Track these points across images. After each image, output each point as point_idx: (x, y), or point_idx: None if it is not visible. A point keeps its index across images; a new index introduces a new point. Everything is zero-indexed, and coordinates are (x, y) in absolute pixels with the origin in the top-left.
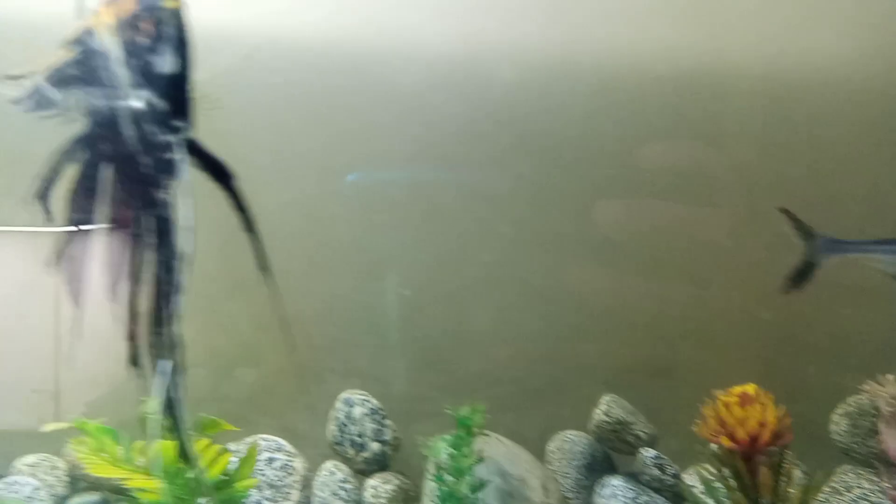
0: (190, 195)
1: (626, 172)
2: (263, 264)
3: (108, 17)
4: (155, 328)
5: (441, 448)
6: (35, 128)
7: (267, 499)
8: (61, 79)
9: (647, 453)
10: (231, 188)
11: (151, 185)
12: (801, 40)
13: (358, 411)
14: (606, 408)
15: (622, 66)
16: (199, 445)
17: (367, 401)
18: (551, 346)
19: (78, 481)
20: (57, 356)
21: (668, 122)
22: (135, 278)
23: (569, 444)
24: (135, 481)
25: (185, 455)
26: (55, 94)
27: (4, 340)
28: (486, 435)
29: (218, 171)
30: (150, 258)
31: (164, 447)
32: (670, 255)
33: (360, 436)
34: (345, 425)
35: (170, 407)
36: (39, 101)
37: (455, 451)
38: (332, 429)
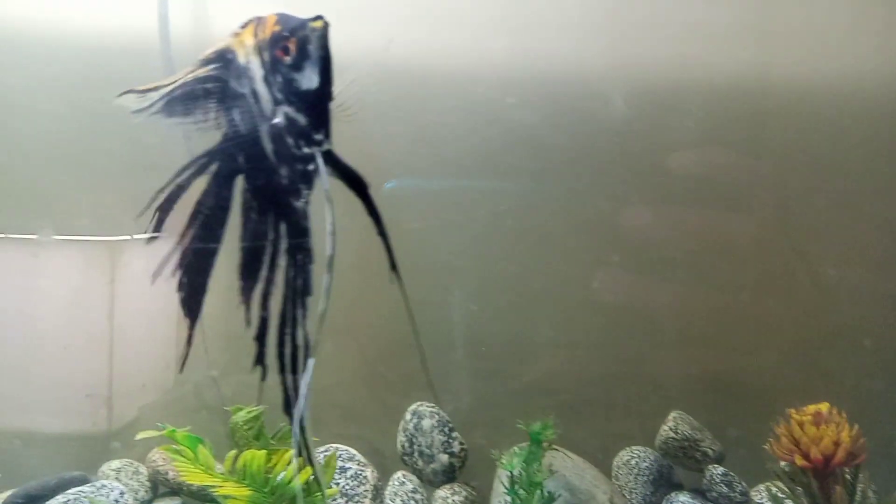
0: (331, 202)
1: (688, 185)
2: (394, 265)
3: (248, 37)
4: (285, 330)
5: (515, 461)
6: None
7: None
8: (192, 93)
9: (715, 470)
10: (366, 196)
11: (289, 194)
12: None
13: (427, 423)
14: (674, 424)
15: (690, 82)
16: (284, 455)
17: (436, 413)
18: (617, 360)
19: (158, 486)
20: (111, 362)
21: (736, 137)
22: (267, 282)
23: (635, 459)
24: (226, 489)
25: (308, 457)
26: (183, 107)
27: (60, 346)
28: (556, 449)
29: (353, 180)
30: (283, 263)
31: (254, 456)
32: (736, 269)
33: (428, 447)
34: (414, 437)
35: (290, 407)
36: (167, 112)
37: (527, 465)
38: (401, 440)
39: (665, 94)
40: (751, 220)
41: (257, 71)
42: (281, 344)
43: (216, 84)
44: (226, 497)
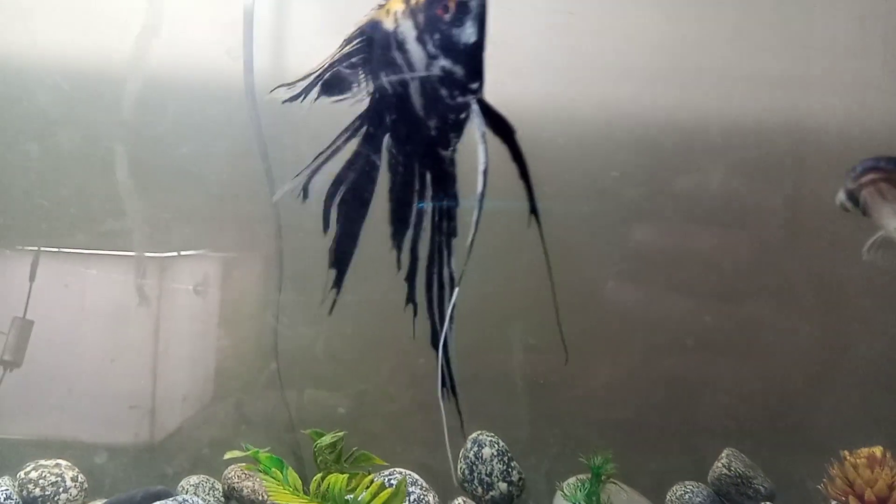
0: (485, 143)
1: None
2: (534, 209)
3: (397, 4)
4: (433, 270)
5: (578, 494)
6: None
7: None
8: (342, 71)
9: None
10: (512, 141)
11: (438, 145)
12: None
13: (487, 452)
14: (727, 461)
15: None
16: (364, 479)
17: (496, 442)
18: (672, 395)
19: (233, 501)
20: (154, 374)
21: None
22: (415, 228)
23: (689, 494)
24: None
25: (452, 386)
26: (336, 85)
27: (105, 359)
28: (614, 483)
29: (501, 127)
30: (431, 208)
31: (337, 479)
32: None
33: (488, 475)
34: (474, 464)
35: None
36: (324, 92)
37: (588, 498)
38: (461, 467)
39: None
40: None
41: (409, 32)
42: (429, 282)
43: (362, 55)
44: None
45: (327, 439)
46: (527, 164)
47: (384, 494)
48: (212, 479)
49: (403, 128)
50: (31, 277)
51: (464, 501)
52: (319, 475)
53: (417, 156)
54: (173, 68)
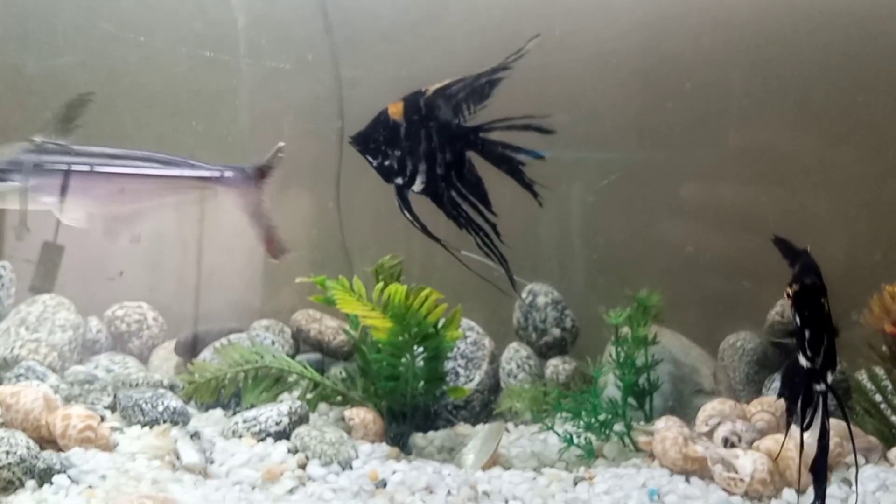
0: None
1: None
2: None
3: None
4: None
5: (621, 315)
6: None
7: (461, 367)
8: None
9: None
10: None
11: None
12: None
13: (541, 300)
14: (781, 308)
15: None
16: (421, 293)
17: (550, 292)
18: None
19: (300, 343)
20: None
21: None
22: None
23: (741, 341)
24: (372, 319)
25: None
26: None
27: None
28: (661, 322)
29: None
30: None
31: (397, 289)
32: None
33: (542, 322)
34: (529, 312)
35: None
36: None
37: (632, 322)
38: (517, 315)
39: None
40: None
41: None
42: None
43: None
44: (373, 328)
45: (388, 259)
46: None
47: (440, 309)
48: (280, 323)
49: None
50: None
51: (519, 345)
52: (381, 284)
53: None
54: None
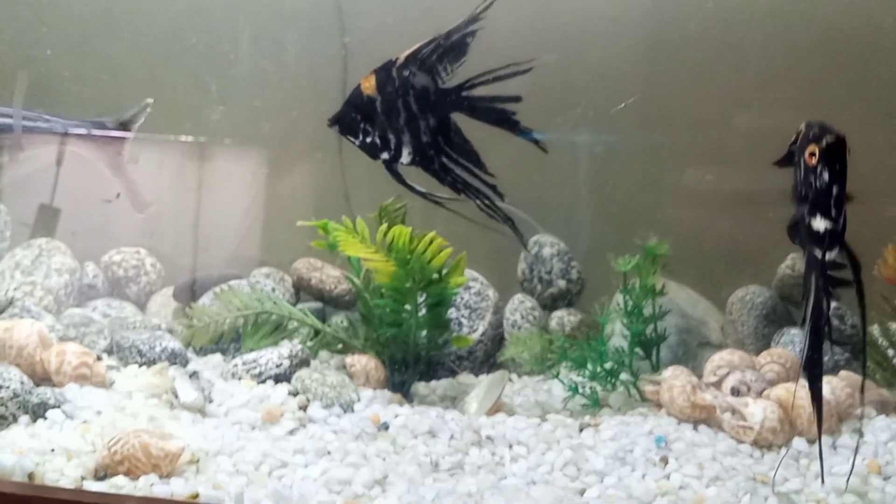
0: None
1: None
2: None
3: None
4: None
5: (630, 263)
6: None
7: (464, 317)
8: None
9: None
10: None
11: None
12: None
13: (547, 251)
14: (791, 262)
15: None
16: (426, 238)
17: (556, 244)
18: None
19: (301, 291)
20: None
21: None
22: None
23: (750, 295)
24: (375, 262)
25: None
26: None
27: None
28: (670, 272)
29: None
30: None
31: (401, 231)
32: None
33: (548, 273)
34: (534, 264)
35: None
36: None
37: (640, 270)
38: (521, 267)
39: None
40: None
41: None
42: None
43: None
44: (375, 272)
45: (392, 202)
46: None
47: (444, 253)
48: (281, 272)
49: None
50: (59, 162)
51: (523, 296)
52: (385, 226)
53: None
54: None
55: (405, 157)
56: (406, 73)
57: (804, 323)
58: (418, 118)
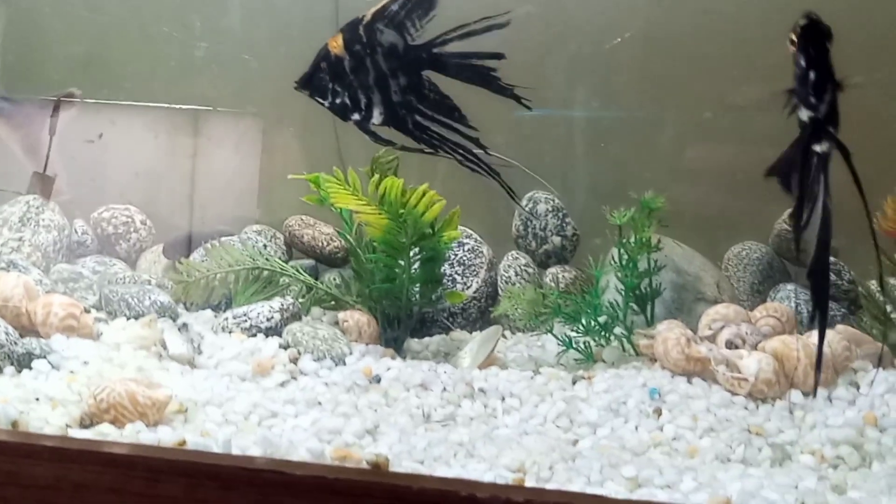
0: None
1: None
2: None
3: None
4: None
5: (625, 216)
6: None
7: (458, 273)
8: None
9: None
10: None
11: None
12: None
13: (542, 207)
14: (788, 217)
15: None
16: (419, 191)
17: (551, 199)
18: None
19: (293, 249)
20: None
21: None
22: None
23: (746, 251)
24: (367, 214)
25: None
26: None
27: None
28: (666, 227)
29: None
30: None
31: (393, 183)
32: None
33: (542, 230)
34: (529, 220)
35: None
36: None
37: (635, 223)
38: (516, 223)
39: None
40: None
41: None
42: None
43: None
44: (366, 224)
45: (384, 154)
46: None
47: (437, 206)
48: (273, 229)
49: None
50: (51, 131)
51: (517, 252)
52: (376, 177)
53: None
54: None
55: (376, 116)
56: (373, 30)
57: (797, 226)
58: (388, 77)
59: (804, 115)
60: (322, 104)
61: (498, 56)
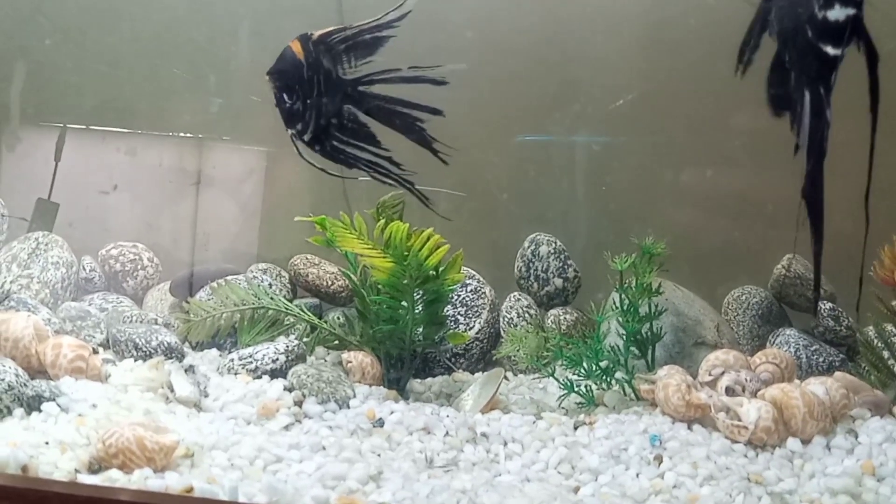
0: None
1: None
2: None
3: None
4: None
5: (626, 262)
6: None
7: (461, 314)
8: None
9: (824, 305)
10: None
11: None
12: None
13: (544, 250)
14: (787, 263)
15: None
16: (423, 234)
17: (553, 241)
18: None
19: (297, 288)
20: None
21: None
22: None
23: (746, 295)
24: (373, 258)
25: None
26: None
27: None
28: (667, 272)
29: None
30: None
31: (398, 227)
32: None
33: (544, 272)
34: (531, 262)
35: None
36: None
37: (637, 269)
38: (518, 265)
39: None
40: None
41: None
42: None
43: None
44: (372, 268)
45: (390, 198)
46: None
47: (442, 250)
48: (278, 268)
49: None
50: (57, 158)
51: (520, 294)
52: (382, 222)
53: None
54: None
55: (308, 133)
56: (317, 52)
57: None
58: (322, 98)
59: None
60: (279, 103)
61: (436, 112)
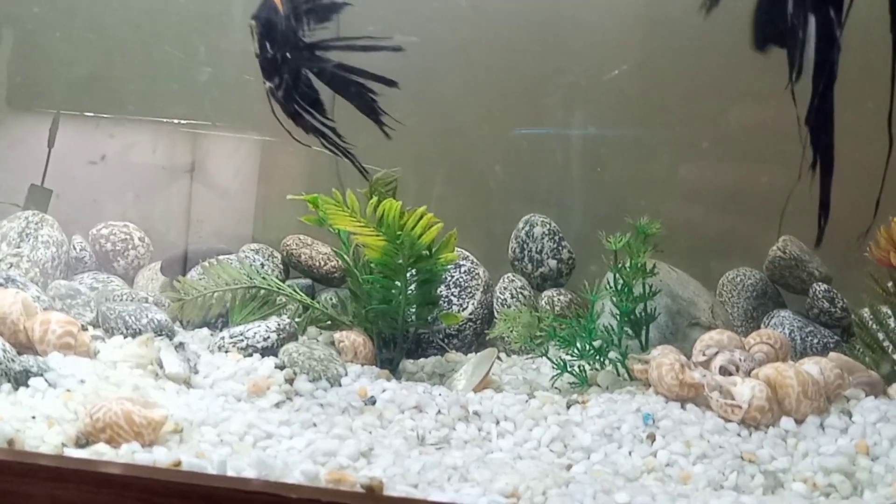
0: None
1: None
2: None
3: None
4: None
5: (621, 241)
6: None
7: (454, 295)
8: None
9: (819, 287)
10: None
11: None
12: None
13: (538, 231)
14: (783, 244)
15: None
16: (416, 212)
17: (548, 222)
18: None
19: (290, 269)
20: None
21: None
22: None
23: (741, 277)
24: (365, 236)
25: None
26: None
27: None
28: (661, 252)
29: None
30: None
31: (392, 205)
32: None
33: (538, 253)
34: (525, 243)
35: None
36: None
37: (631, 248)
38: (512, 246)
39: None
40: None
41: None
42: None
43: None
44: (364, 246)
45: (384, 176)
46: None
47: (435, 229)
48: (271, 248)
49: None
50: (50, 144)
51: (513, 275)
52: (375, 199)
53: None
54: None
55: (280, 91)
56: (283, 9)
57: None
58: (294, 55)
59: None
60: (259, 52)
61: (390, 83)
